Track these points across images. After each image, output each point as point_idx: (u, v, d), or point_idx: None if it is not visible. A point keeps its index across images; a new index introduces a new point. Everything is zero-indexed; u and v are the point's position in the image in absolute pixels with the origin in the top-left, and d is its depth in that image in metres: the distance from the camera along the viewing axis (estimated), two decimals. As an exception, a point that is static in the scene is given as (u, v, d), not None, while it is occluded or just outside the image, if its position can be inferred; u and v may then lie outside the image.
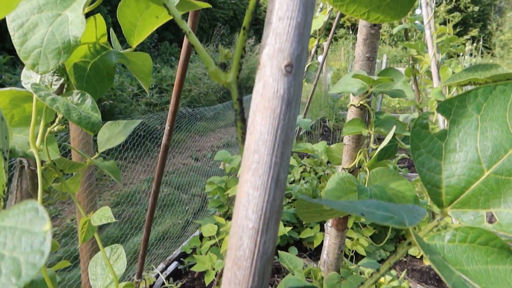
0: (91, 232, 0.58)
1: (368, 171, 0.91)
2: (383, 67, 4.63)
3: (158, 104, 6.48)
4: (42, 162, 0.58)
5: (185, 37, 0.87)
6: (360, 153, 0.94)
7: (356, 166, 0.96)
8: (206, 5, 0.63)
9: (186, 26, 0.25)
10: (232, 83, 0.25)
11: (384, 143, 0.78)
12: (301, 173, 3.49)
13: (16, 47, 0.48)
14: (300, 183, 3.34)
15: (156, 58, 9.18)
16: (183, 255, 2.55)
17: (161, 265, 2.41)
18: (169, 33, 10.76)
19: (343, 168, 0.99)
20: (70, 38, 0.48)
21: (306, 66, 1.96)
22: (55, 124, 0.55)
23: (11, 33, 0.48)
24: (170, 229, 3.58)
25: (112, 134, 0.84)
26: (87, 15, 0.60)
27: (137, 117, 5.56)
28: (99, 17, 0.58)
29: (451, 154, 0.29)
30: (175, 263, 2.45)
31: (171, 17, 0.65)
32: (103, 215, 0.55)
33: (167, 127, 0.99)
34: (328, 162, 3.45)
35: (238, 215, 0.22)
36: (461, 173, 0.29)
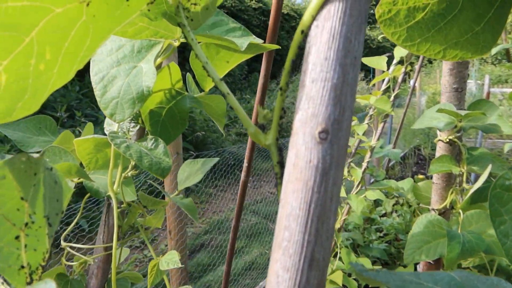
0: (159, 275, 0.60)
1: (461, 213, 0.81)
2: (485, 89, 4.22)
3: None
4: (121, 203, 0.61)
5: (261, 72, 0.88)
6: (451, 193, 0.85)
7: (448, 207, 0.86)
8: (275, 46, 0.63)
9: (225, 88, 0.25)
10: (271, 145, 0.24)
11: (478, 184, 0.69)
12: (393, 205, 3.28)
13: (97, 98, 0.52)
14: (392, 216, 3.13)
15: (246, 89, 9.54)
16: (268, 287, 2.52)
17: (246, 297, 2.41)
18: (258, 65, 11.18)
19: (433, 209, 0.89)
20: (143, 88, 0.51)
21: (394, 93, 1.87)
22: (128, 169, 0.58)
23: (93, 85, 0.52)
24: (257, 259, 3.59)
25: (191, 172, 0.87)
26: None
27: (228, 147, 5.78)
28: (173, 65, 0.62)
29: (544, 224, 0.24)
30: (260, 295, 2.43)
31: (241, 60, 0.66)
32: (171, 259, 0.56)
33: (245, 163, 0.99)
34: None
35: (269, 297, 0.20)
36: (559, 249, 0.23)
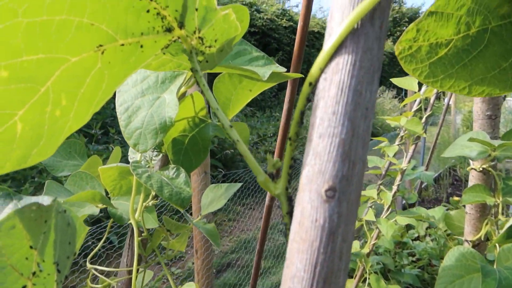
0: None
1: (497, 247, 0.77)
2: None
3: (276, 152, 6.65)
4: (142, 231, 0.62)
5: (286, 98, 0.87)
6: (486, 224, 0.80)
7: (482, 239, 0.82)
8: (298, 75, 0.63)
9: (235, 134, 0.24)
10: (281, 195, 0.23)
11: (515, 218, 0.65)
12: (427, 229, 3.15)
13: (122, 129, 0.53)
14: (425, 240, 3.01)
15: (276, 107, 9.56)
16: (295, 311, 2.46)
17: (272, 320, 2.36)
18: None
19: (466, 240, 0.85)
20: (166, 119, 0.52)
21: (426, 114, 1.82)
22: (149, 199, 0.59)
23: (118, 116, 0.54)
24: (284, 280, 3.53)
25: (215, 197, 0.87)
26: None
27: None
28: (196, 94, 0.62)
29: None
30: (286, 319, 2.38)
31: (265, 88, 0.66)
32: (189, 291, 0.56)
33: (269, 187, 0.98)
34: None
35: None
36: None
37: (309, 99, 0.21)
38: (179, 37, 0.27)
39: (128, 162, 0.68)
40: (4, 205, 0.26)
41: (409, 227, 3.17)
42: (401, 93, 12.21)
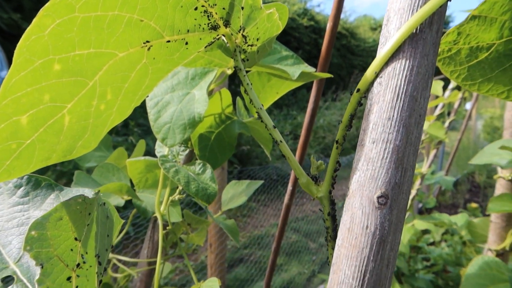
0: (200, 301, 0.59)
1: (523, 257, 0.75)
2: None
3: (293, 150, 6.64)
4: (167, 225, 0.62)
5: (311, 98, 0.87)
6: (512, 234, 0.79)
7: (507, 248, 0.80)
8: (327, 75, 0.62)
9: (278, 135, 0.24)
10: (323, 198, 0.23)
11: (544, 229, 0.63)
12: (443, 234, 3.10)
13: (151, 123, 0.54)
14: (440, 246, 2.96)
15: (293, 105, 9.54)
16: (306, 310, 2.46)
17: (283, 318, 2.36)
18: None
19: (489, 249, 0.83)
20: (195, 115, 0.52)
21: (449, 119, 1.78)
22: (175, 194, 0.59)
23: (148, 110, 0.54)
24: (296, 278, 3.54)
25: (235, 194, 0.87)
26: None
27: (272, 162, 5.78)
28: (224, 91, 0.62)
29: None
30: (297, 318, 2.37)
31: (291, 87, 0.65)
32: (211, 286, 0.56)
33: (289, 187, 0.98)
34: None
35: None
36: None
37: (361, 103, 0.20)
38: (223, 35, 0.27)
39: (149, 156, 0.69)
40: (47, 195, 0.26)
41: (424, 231, 3.12)
42: (421, 96, 12.00)
